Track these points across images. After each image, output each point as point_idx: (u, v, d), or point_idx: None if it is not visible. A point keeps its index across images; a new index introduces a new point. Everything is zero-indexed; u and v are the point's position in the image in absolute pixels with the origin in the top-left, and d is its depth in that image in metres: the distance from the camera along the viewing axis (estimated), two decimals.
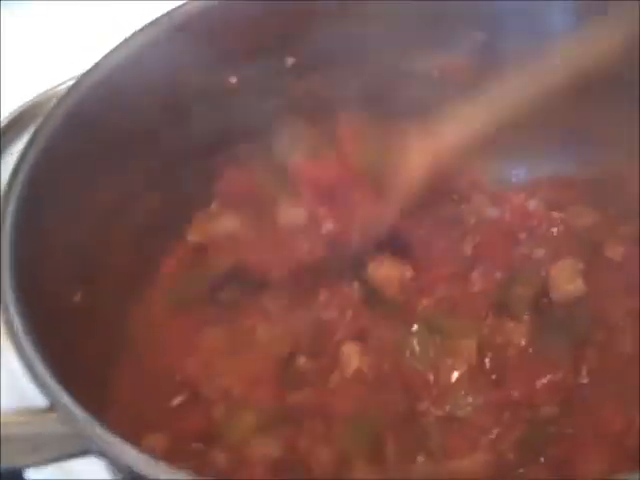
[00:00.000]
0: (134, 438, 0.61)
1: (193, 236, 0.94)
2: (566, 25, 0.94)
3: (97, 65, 0.87)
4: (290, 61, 0.97)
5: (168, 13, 0.91)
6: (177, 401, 0.83)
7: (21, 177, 0.77)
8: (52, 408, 0.63)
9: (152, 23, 0.90)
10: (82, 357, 0.77)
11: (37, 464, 0.67)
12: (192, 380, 0.84)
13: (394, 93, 0.98)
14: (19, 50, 1.27)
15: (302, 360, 0.84)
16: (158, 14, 0.90)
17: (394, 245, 0.89)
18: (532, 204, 0.97)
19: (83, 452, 0.64)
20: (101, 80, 0.86)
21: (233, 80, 0.95)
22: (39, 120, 0.83)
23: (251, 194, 0.90)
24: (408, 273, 0.88)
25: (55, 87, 0.98)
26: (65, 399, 0.62)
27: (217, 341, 0.87)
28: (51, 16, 1.32)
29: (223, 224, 0.91)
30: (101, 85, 0.86)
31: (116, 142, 0.87)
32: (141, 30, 0.89)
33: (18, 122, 0.99)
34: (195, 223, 0.94)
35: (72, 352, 0.73)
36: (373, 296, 0.88)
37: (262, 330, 0.87)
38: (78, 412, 0.62)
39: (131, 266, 0.90)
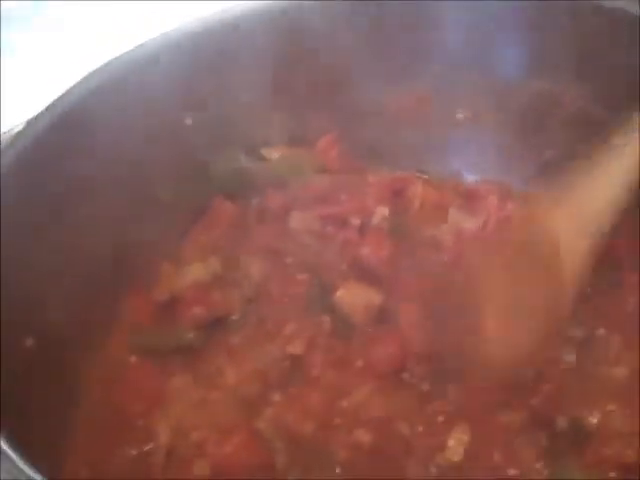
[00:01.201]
0: None
1: (159, 291, 0.91)
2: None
3: (52, 106, 0.84)
4: None
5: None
6: (141, 450, 0.79)
7: None
8: None
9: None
10: (37, 406, 0.74)
11: None
12: (162, 436, 0.80)
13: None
14: None
15: (276, 397, 0.82)
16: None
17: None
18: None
19: None
20: (57, 121, 0.83)
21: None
22: None
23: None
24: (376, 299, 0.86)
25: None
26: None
27: (185, 391, 0.83)
28: None
29: (190, 275, 0.90)
30: (57, 126, 0.83)
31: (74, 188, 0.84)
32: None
33: None
34: (161, 276, 0.92)
35: (26, 401, 0.71)
36: (343, 325, 0.85)
37: (230, 372, 0.84)
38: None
39: (88, 313, 0.86)
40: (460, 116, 1.04)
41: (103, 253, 0.88)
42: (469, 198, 1.01)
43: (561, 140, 0.98)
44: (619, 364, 0.81)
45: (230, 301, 0.88)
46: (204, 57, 0.93)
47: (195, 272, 0.91)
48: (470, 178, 1.05)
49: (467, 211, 0.98)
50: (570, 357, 0.82)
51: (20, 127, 0.83)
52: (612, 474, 0.73)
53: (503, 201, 0.99)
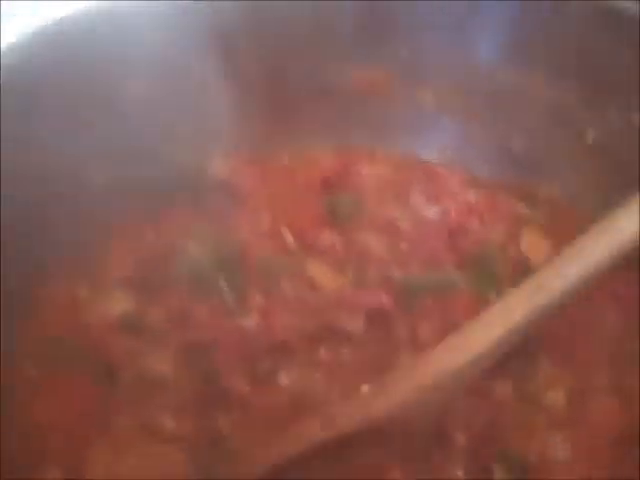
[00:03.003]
0: None
1: None
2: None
3: None
4: None
5: None
6: None
7: None
8: None
9: None
10: None
11: None
12: None
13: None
14: None
15: None
16: None
17: None
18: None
19: None
20: None
21: None
22: None
23: None
24: None
25: None
26: None
27: None
28: None
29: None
30: None
31: None
32: None
33: None
34: None
35: None
36: None
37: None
38: None
39: None
40: (425, 98, 0.99)
41: None
42: (429, 180, 0.98)
43: (531, 131, 0.94)
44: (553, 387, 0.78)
45: None
46: None
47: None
48: (431, 159, 1.01)
49: (428, 197, 0.95)
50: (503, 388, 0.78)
51: None
52: None
53: (465, 187, 0.96)
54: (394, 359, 0.79)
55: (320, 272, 0.84)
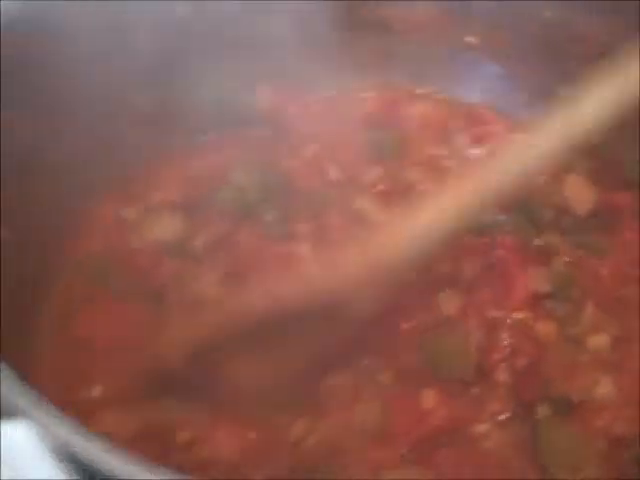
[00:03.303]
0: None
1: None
2: None
3: None
4: None
5: None
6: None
7: None
8: None
9: None
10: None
11: None
12: None
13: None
14: None
15: None
16: None
17: None
18: None
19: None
20: None
21: None
22: None
23: None
24: None
25: None
26: None
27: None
28: None
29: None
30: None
31: None
32: None
33: None
34: None
35: None
36: None
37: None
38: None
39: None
40: (470, 39, 0.98)
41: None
42: (473, 122, 0.97)
43: (579, 78, 0.93)
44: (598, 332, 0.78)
45: None
46: None
47: None
48: (474, 102, 1.00)
49: (472, 138, 0.94)
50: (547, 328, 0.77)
51: None
52: (601, 445, 0.70)
53: (509, 131, 0.95)
54: (435, 295, 0.79)
55: (367, 206, 0.85)
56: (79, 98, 0.79)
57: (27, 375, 0.54)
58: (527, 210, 0.86)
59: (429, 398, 0.71)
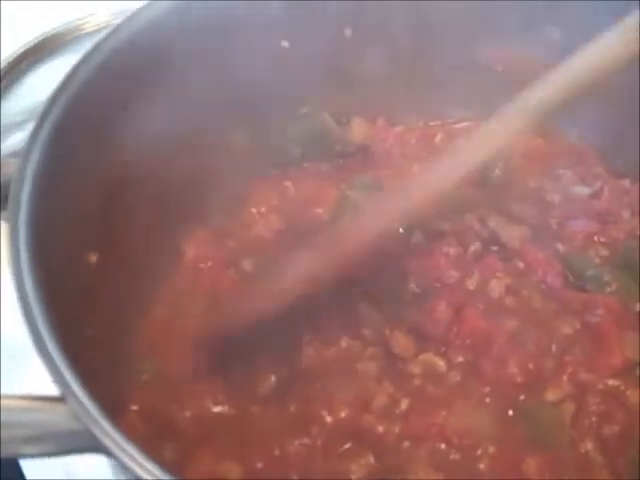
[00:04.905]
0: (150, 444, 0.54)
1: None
2: None
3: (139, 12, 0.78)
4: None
5: None
6: None
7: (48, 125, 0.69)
8: (63, 399, 0.55)
9: None
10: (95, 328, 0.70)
11: (38, 455, 0.58)
12: None
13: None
14: None
15: None
16: None
17: None
18: None
19: (89, 449, 0.56)
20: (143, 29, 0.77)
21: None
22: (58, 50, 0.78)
23: None
24: None
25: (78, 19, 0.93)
26: (78, 391, 0.55)
27: None
28: None
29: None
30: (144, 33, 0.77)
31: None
32: None
33: (38, 50, 0.93)
34: None
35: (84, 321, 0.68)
36: None
37: None
38: (91, 407, 0.54)
39: (151, 237, 0.82)
40: None
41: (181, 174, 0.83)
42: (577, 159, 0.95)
43: None
44: None
45: None
46: None
47: None
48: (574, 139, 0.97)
49: (578, 175, 0.92)
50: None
51: None
52: None
53: (612, 174, 0.93)
54: None
55: None
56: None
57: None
58: (635, 270, 0.81)
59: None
